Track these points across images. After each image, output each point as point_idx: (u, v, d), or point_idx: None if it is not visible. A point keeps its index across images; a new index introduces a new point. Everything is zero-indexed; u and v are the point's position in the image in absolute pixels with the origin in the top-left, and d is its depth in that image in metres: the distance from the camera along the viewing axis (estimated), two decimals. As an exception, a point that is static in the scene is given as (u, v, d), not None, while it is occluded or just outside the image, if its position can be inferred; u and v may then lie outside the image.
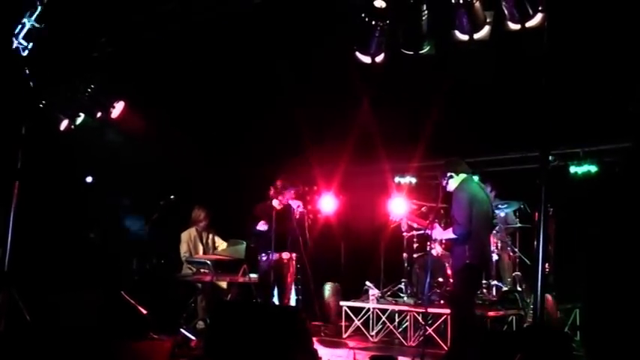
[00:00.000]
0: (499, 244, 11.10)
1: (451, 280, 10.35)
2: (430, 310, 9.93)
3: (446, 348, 9.53)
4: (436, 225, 8.66)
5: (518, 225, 11.41)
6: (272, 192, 10.15)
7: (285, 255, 10.20)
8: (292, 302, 10.38)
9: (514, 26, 7.47)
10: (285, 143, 12.39)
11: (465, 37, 7.80)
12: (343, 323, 11.37)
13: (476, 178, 9.13)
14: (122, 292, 9.20)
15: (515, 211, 11.48)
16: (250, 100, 11.67)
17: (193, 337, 9.43)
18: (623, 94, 9.72)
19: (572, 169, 12.06)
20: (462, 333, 8.18)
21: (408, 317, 10.72)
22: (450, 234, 8.27)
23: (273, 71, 10.83)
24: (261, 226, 10.04)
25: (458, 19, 7.75)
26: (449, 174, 8.40)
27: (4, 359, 7.87)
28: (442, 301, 10.52)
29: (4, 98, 10.11)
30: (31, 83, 9.56)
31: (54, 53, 9.68)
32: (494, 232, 10.73)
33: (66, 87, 10.22)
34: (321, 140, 12.20)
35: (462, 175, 8.40)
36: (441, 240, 9.86)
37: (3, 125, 10.13)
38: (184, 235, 11.24)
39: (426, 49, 8.15)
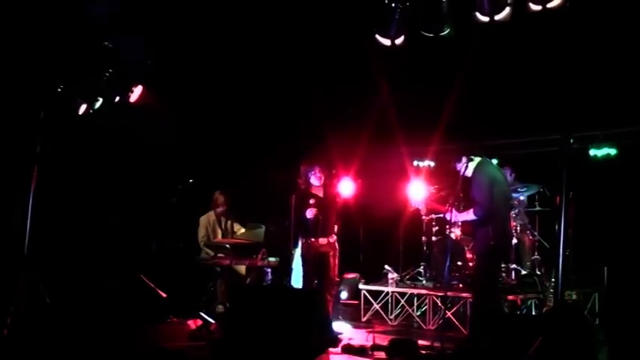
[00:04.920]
0: (518, 228, 11.04)
1: (470, 264, 10.34)
2: (449, 293, 9.94)
3: (465, 332, 9.52)
4: (454, 210, 8.63)
5: (538, 208, 11.33)
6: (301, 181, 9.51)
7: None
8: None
9: (535, 7, 7.43)
10: (304, 128, 12.34)
11: (486, 19, 7.76)
12: (362, 306, 11.36)
13: (494, 161, 9.08)
14: (141, 275, 9.23)
15: (534, 195, 11.40)
16: (269, 85, 11.63)
17: (212, 321, 9.45)
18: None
19: (592, 152, 11.99)
20: (482, 316, 8.15)
21: (427, 301, 10.70)
22: (469, 215, 8.26)
23: (292, 56, 10.80)
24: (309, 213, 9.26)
25: (478, 0, 7.70)
26: (465, 158, 8.33)
27: (25, 342, 7.93)
28: (461, 285, 10.50)
29: (23, 83, 10.13)
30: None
31: (72, 37, 9.72)
32: (513, 215, 10.70)
33: (84, 71, 10.21)
34: (339, 124, 12.14)
35: (479, 158, 8.35)
36: (458, 223, 9.82)
37: (22, 110, 10.16)
38: (203, 220, 11.28)
39: (446, 31, 8.11)
